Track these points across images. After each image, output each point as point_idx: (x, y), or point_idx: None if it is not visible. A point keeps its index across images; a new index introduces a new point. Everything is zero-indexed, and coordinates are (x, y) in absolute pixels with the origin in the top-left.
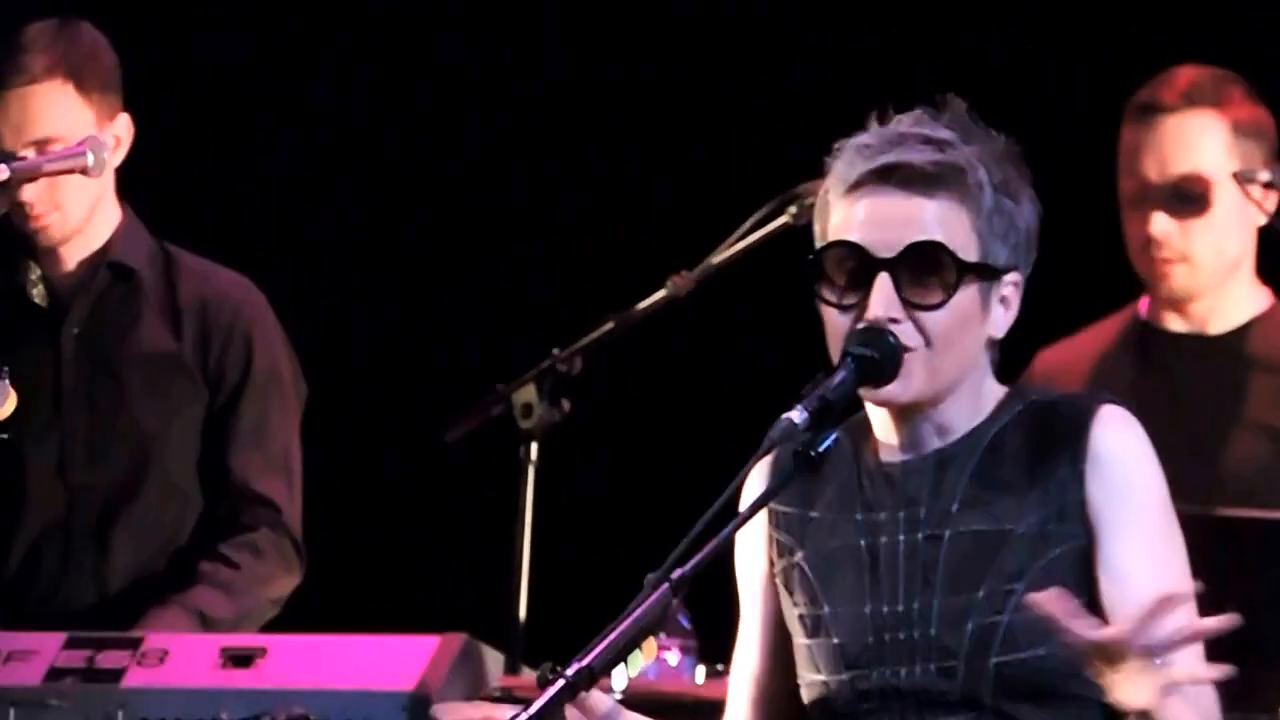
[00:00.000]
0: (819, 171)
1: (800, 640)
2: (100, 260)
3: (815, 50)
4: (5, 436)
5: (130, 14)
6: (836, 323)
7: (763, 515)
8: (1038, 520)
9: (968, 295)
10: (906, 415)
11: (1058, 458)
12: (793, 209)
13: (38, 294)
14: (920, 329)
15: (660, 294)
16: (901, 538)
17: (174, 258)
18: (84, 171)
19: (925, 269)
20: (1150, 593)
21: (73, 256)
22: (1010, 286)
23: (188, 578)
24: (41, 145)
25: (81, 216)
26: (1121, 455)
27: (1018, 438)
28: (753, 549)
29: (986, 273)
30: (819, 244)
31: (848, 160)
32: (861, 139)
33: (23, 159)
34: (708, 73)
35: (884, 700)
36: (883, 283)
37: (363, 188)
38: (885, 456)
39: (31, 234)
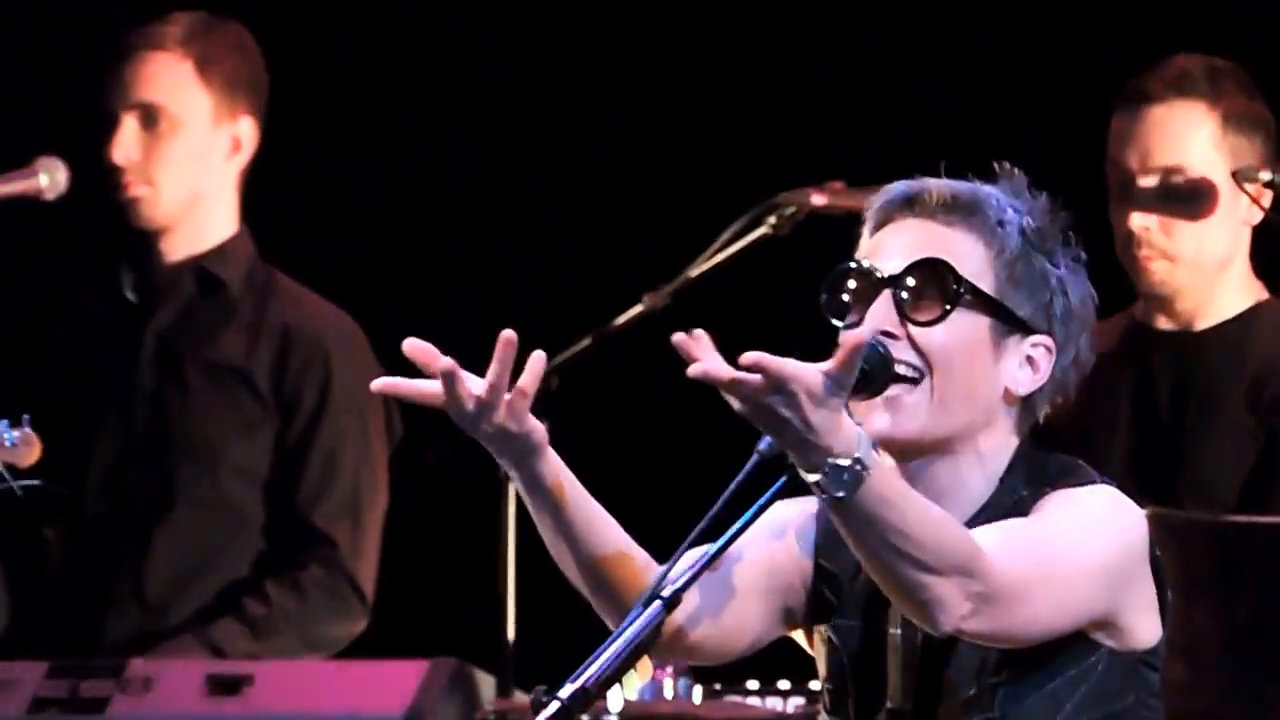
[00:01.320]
0: (796, 181)
1: (822, 683)
2: (194, 266)
3: (792, 61)
4: (37, 483)
5: None
6: None
7: (810, 544)
8: None
9: (974, 324)
10: (924, 469)
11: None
12: (771, 219)
13: (129, 289)
14: (916, 347)
15: (637, 308)
16: (900, 631)
17: (273, 278)
18: (38, 193)
19: (925, 284)
20: (1026, 522)
21: (171, 253)
22: (1041, 350)
23: (226, 604)
24: (146, 110)
25: (177, 201)
26: (1074, 492)
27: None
28: (793, 544)
29: (1000, 311)
30: None
31: (878, 201)
32: (896, 184)
33: None
34: (682, 85)
35: None
36: (883, 299)
37: (338, 214)
38: None
39: (123, 207)
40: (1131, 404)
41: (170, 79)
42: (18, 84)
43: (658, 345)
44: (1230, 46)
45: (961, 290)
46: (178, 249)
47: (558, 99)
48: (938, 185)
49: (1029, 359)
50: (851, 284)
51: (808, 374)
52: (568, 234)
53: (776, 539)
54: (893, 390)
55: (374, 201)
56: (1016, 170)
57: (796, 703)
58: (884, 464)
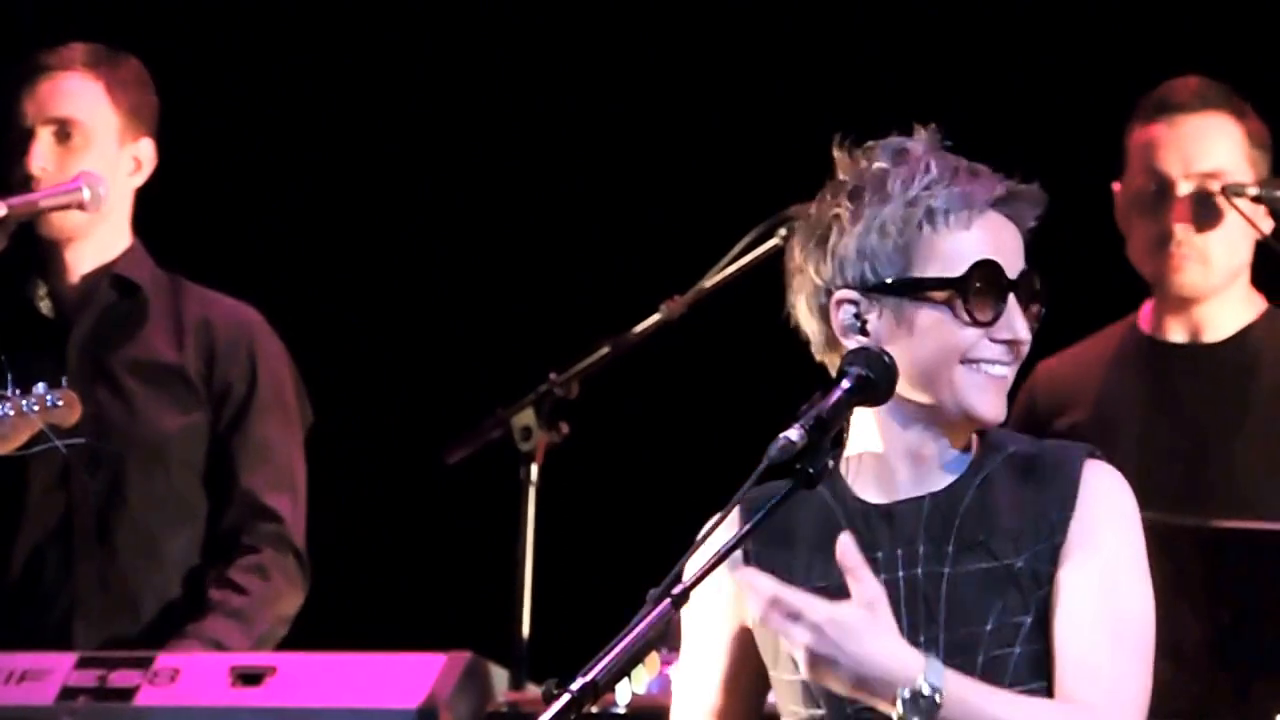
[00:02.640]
0: (808, 194)
1: (791, 677)
2: (106, 274)
3: (805, 74)
4: (81, 440)
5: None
6: (958, 335)
7: (734, 563)
8: (1031, 556)
9: None
10: (913, 452)
11: (1049, 502)
12: (783, 231)
13: (45, 306)
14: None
15: (654, 318)
16: (901, 574)
17: (178, 281)
18: (80, 206)
19: (1036, 296)
20: (1083, 619)
21: (79, 268)
22: None
23: (196, 594)
24: (61, 125)
25: (104, 207)
26: (1100, 503)
27: (1007, 482)
28: (718, 603)
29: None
30: (915, 272)
31: (949, 190)
32: (932, 173)
33: (19, 195)
34: (698, 101)
35: None
36: (1014, 304)
37: (362, 214)
38: (870, 497)
39: (34, 222)
40: (1148, 417)
41: (84, 97)
42: None
43: (674, 353)
44: (1227, 64)
45: (1047, 297)
46: (85, 260)
47: (577, 113)
48: (1006, 184)
49: None
50: (990, 281)
51: (821, 607)
52: (587, 246)
53: (731, 634)
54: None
55: (392, 213)
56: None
57: None
58: (956, 679)
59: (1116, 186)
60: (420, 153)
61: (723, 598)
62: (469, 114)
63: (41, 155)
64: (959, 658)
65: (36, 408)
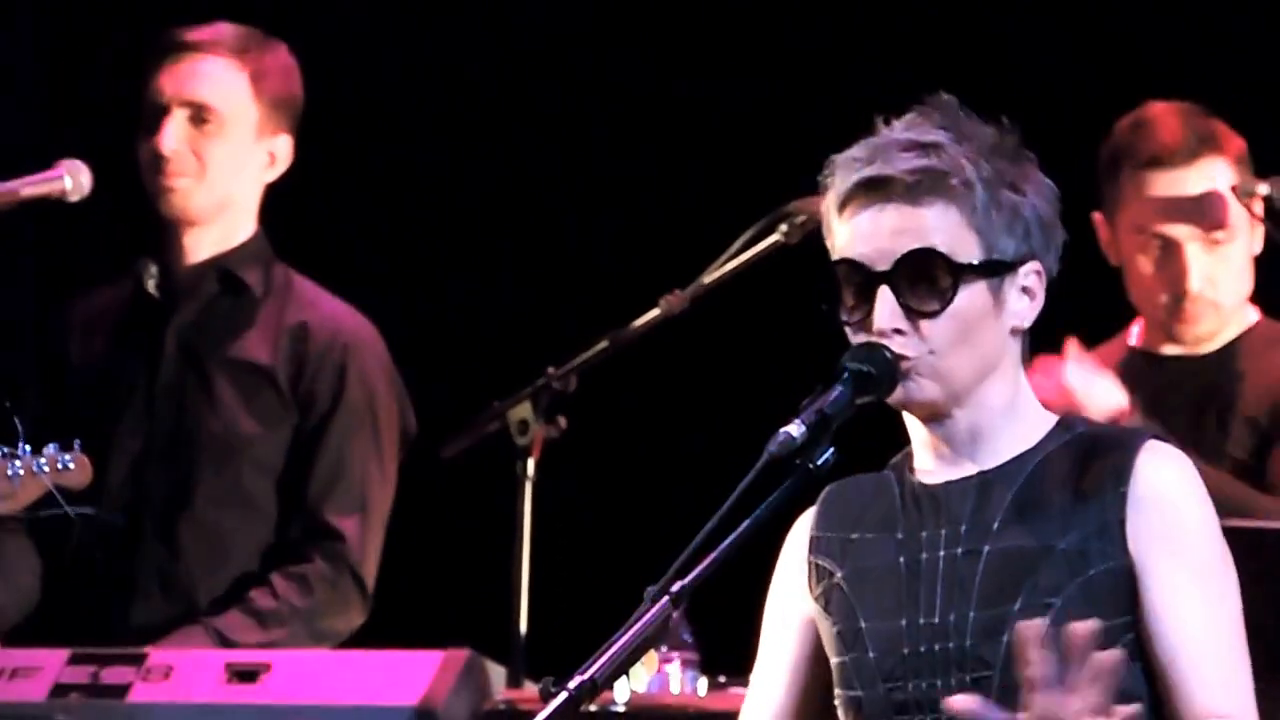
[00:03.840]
0: (809, 190)
1: (837, 659)
2: (217, 265)
3: (805, 69)
4: (90, 510)
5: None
6: (854, 339)
7: (803, 549)
8: (1079, 537)
9: (973, 295)
10: (940, 427)
11: (1102, 479)
12: (783, 227)
13: (152, 286)
14: (924, 337)
15: (653, 313)
16: (941, 553)
17: (291, 281)
18: (61, 195)
19: (920, 277)
20: (1198, 631)
21: (194, 251)
22: (1032, 276)
23: (236, 596)
24: (198, 109)
25: (212, 200)
26: (1165, 490)
27: (1064, 464)
28: (788, 591)
29: (991, 269)
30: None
31: (839, 177)
32: (850, 152)
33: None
34: (698, 92)
35: (919, 712)
36: (884, 295)
37: (359, 207)
38: (926, 479)
39: (159, 194)
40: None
41: (226, 84)
42: (32, 84)
43: (673, 348)
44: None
45: (956, 274)
46: (201, 249)
47: (576, 108)
48: (897, 167)
49: (1024, 289)
50: (852, 280)
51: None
52: (587, 241)
53: (799, 625)
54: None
55: (390, 206)
56: (946, 97)
57: None
58: None
59: (1098, 217)
60: (419, 147)
61: (793, 584)
62: (469, 109)
63: (175, 135)
64: (984, 640)
65: (47, 468)
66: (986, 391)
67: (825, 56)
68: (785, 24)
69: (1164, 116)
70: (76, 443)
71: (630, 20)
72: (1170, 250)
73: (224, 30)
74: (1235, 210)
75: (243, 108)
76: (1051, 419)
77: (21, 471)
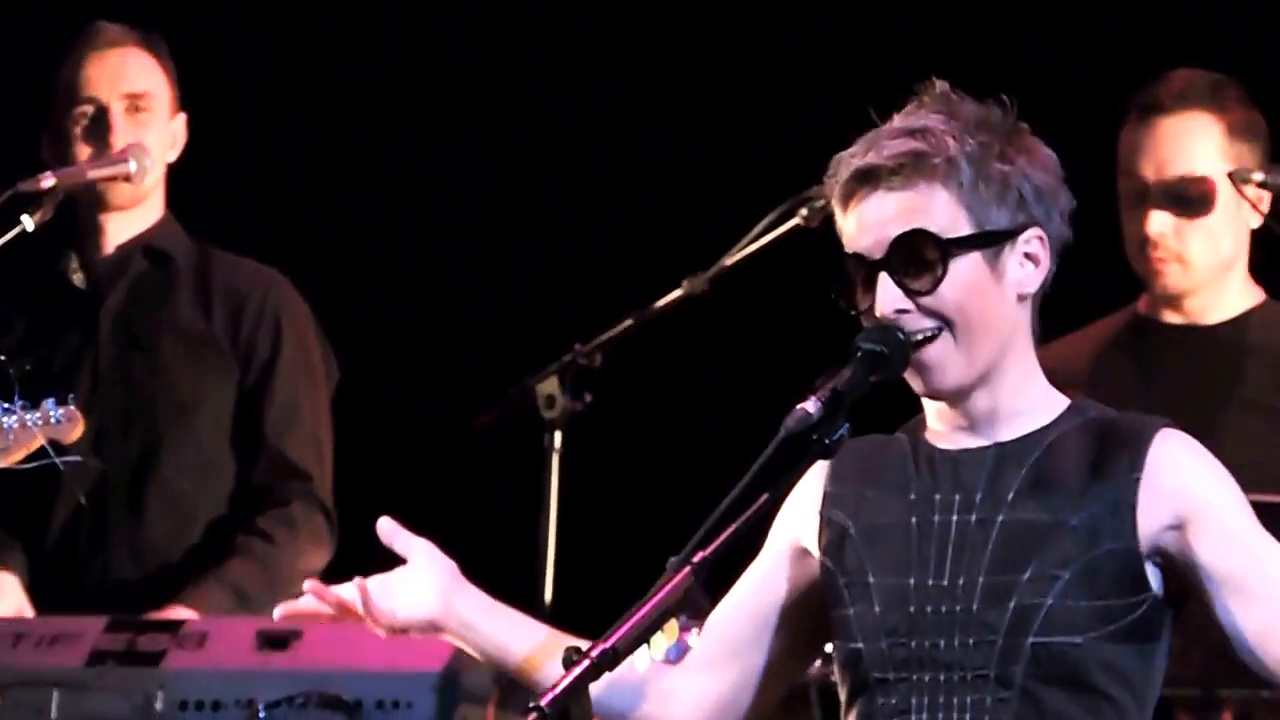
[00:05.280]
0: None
1: (839, 611)
2: (138, 246)
3: (829, 53)
4: (79, 459)
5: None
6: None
7: (815, 501)
8: (1091, 515)
9: (968, 266)
10: (961, 405)
11: (1117, 462)
12: (804, 211)
13: (77, 279)
14: (932, 313)
15: (677, 292)
16: (954, 518)
17: (208, 251)
18: (127, 178)
19: (912, 258)
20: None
21: (114, 240)
22: (1035, 242)
23: (223, 550)
24: (134, 99)
25: (152, 180)
26: (1183, 476)
27: (1079, 443)
28: (793, 533)
29: (984, 240)
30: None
31: (838, 174)
32: (848, 150)
33: (71, 166)
34: (725, 75)
35: (919, 670)
36: (883, 281)
37: (389, 184)
38: (941, 444)
39: (101, 191)
40: (1140, 393)
41: (148, 71)
42: None
43: (695, 327)
44: (1226, 51)
45: (944, 250)
46: (122, 232)
47: (604, 89)
48: (885, 151)
49: (1026, 255)
50: (857, 272)
51: None
52: (614, 222)
53: (790, 562)
54: (918, 353)
55: (419, 184)
56: (937, 82)
57: (814, 665)
58: None
59: None
60: (450, 125)
61: (800, 528)
62: (500, 88)
63: (120, 129)
64: (991, 604)
65: (40, 422)
66: (1004, 366)
67: (852, 40)
68: (814, 6)
69: (1179, 73)
70: (70, 396)
71: (662, 3)
72: (1140, 195)
73: (117, 28)
74: (1214, 169)
75: (162, 91)
76: (1064, 400)
77: (15, 425)
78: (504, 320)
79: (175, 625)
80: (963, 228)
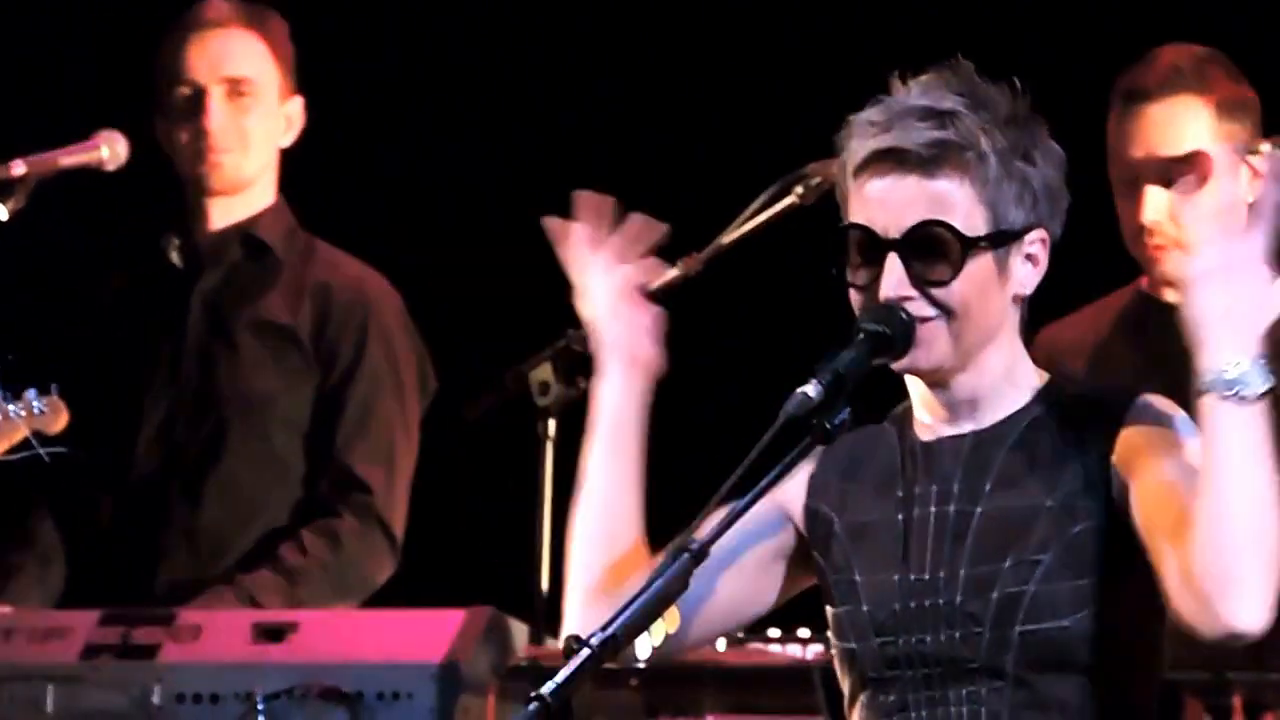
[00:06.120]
0: (826, 151)
1: (832, 609)
2: (238, 233)
3: (822, 28)
4: (63, 450)
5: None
6: (857, 300)
7: (801, 487)
8: (1065, 494)
9: (981, 265)
10: (942, 390)
11: (1091, 440)
12: (799, 189)
13: (175, 257)
14: (934, 303)
15: (671, 274)
16: (933, 509)
17: (312, 245)
18: (99, 165)
19: (931, 249)
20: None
21: (215, 223)
22: (1037, 244)
23: (265, 553)
24: (234, 83)
25: (254, 168)
26: (1149, 417)
27: (1055, 424)
28: (781, 494)
29: (999, 240)
30: (844, 220)
31: (855, 140)
32: (867, 115)
33: (41, 154)
34: (715, 53)
35: (910, 667)
36: (892, 263)
37: (379, 170)
38: (923, 435)
39: (198, 175)
40: (1141, 371)
41: (254, 55)
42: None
43: (691, 309)
44: (1215, 32)
45: (964, 247)
46: (225, 217)
47: (594, 70)
48: (915, 135)
49: (1028, 256)
50: (855, 245)
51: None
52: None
53: (776, 519)
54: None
55: (411, 167)
56: (962, 61)
57: (816, 649)
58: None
59: None
60: (440, 109)
61: (790, 508)
62: (489, 66)
63: (218, 114)
64: (974, 596)
65: (23, 413)
66: (987, 357)
67: (841, 24)
68: None
69: (1163, 53)
70: (53, 387)
71: None
72: (1132, 182)
73: (227, 5)
74: (1203, 144)
75: (269, 76)
76: (1042, 379)
77: None
78: (496, 305)
79: (169, 617)
80: (981, 226)
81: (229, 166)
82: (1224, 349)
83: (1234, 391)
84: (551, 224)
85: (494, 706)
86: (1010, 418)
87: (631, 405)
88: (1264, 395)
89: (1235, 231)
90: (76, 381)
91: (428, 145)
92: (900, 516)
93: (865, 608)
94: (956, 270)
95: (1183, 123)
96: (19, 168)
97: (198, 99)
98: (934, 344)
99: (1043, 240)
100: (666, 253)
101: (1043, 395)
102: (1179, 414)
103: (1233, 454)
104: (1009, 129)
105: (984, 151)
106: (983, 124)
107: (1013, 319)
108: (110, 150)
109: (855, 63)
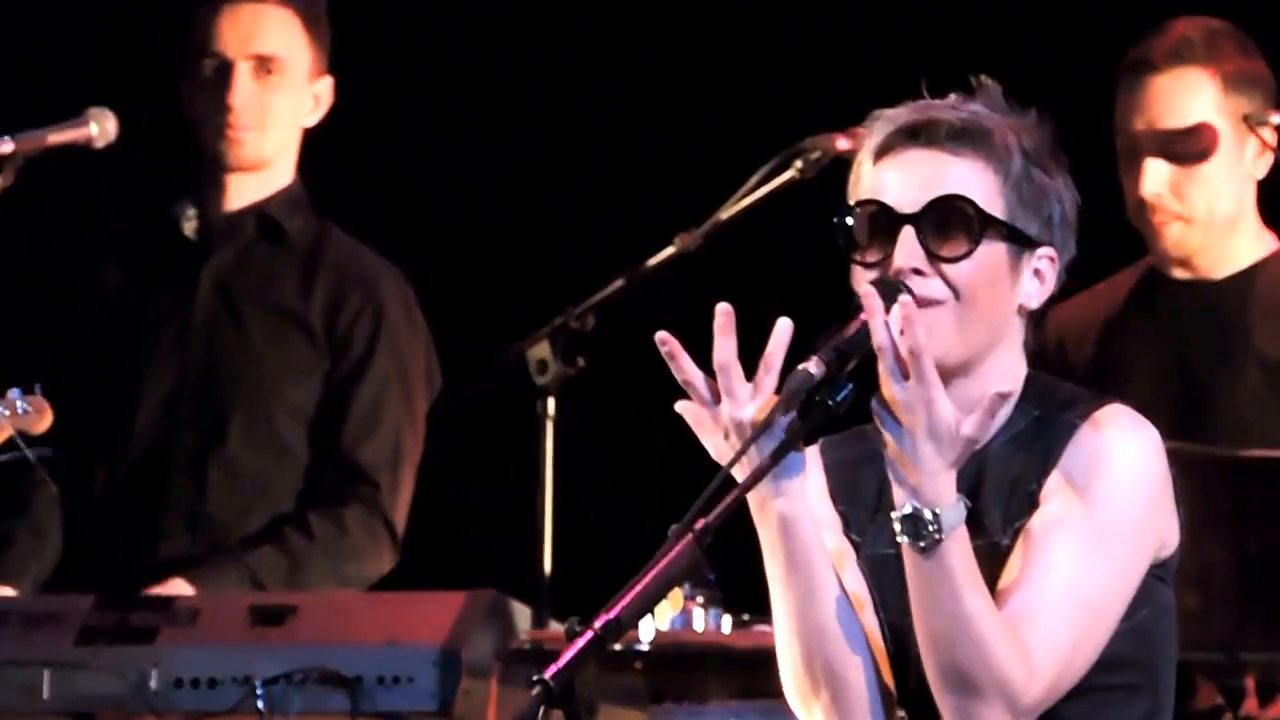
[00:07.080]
0: (824, 125)
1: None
2: (254, 212)
3: (819, 10)
4: (48, 452)
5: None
6: (859, 278)
7: (825, 499)
8: (1014, 532)
9: (994, 252)
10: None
11: (1033, 469)
12: (798, 163)
13: (189, 228)
14: (947, 282)
15: (669, 250)
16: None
17: (327, 230)
18: (88, 142)
19: (949, 222)
20: (1053, 574)
21: (236, 197)
22: (1045, 261)
23: (270, 536)
24: (262, 60)
25: (274, 147)
26: (1074, 462)
27: (1017, 453)
28: (826, 521)
29: (1014, 235)
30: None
31: (879, 128)
32: (895, 109)
33: (30, 132)
34: (713, 33)
35: (923, 706)
36: (906, 235)
37: (381, 150)
38: None
39: (218, 151)
40: (1150, 348)
41: (287, 33)
42: (68, 35)
43: (689, 285)
44: (1229, 6)
45: (983, 223)
46: (242, 194)
47: (594, 49)
48: (942, 114)
49: (1036, 272)
50: (868, 220)
51: (943, 406)
52: (603, 179)
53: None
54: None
55: (410, 150)
56: (992, 83)
57: None
58: (962, 543)
59: None
60: (436, 89)
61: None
62: (486, 52)
63: (243, 89)
64: None
65: (6, 413)
66: (990, 367)
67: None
68: None
69: (1176, 24)
70: (37, 386)
71: None
72: (1135, 155)
73: None
74: (1209, 117)
75: (300, 54)
76: (1017, 385)
77: None
78: (492, 284)
79: (166, 602)
80: (999, 214)
81: (249, 144)
82: (900, 491)
83: (908, 539)
84: (685, 409)
85: (496, 690)
86: (989, 445)
87: (812, 528)
88: (936, 544)
89: (903, 374)
90: (75, 349)
91: (431, 124)
92: (895, 554)
93: (891, 649)
94: (972, 247)
95: (1187, 95)
96: (7, 145)
97: (224, 73)
98: (937, 333)
99: (1051, 259)
100: (664, 230)
101: (1012, 420)
102: (1108, 462)
103: (919, 597)
104: (1035, 137)
105: (1010, 145)
106: (1011, 125)
107: (1016, 331)
108: (99, 127)
109: (851, 36)
